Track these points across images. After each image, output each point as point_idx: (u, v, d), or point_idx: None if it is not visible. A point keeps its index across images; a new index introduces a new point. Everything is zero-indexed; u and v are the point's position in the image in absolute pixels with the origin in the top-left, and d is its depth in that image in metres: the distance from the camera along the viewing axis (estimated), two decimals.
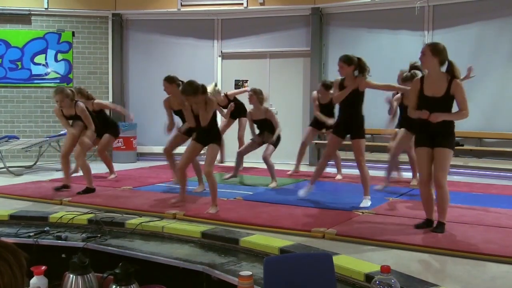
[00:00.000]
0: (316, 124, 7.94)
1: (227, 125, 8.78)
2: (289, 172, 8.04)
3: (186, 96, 5.51)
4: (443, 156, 4.47)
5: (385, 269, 2.34)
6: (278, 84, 10.39)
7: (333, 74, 9.66)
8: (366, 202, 5.66)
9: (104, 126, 7.37)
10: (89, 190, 6.38)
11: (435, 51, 4.46)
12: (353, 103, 5.70)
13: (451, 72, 4.47)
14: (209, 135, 5.58)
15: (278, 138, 7.31)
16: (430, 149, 4.56)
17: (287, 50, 10.37)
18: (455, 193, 6.58)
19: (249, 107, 7.66)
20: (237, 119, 8.80)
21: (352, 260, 3.72)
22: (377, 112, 8.06)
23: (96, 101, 7.53)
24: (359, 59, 5.67)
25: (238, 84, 10.45)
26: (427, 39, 9.20)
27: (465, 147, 8.77)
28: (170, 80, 6.54)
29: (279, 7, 10.18)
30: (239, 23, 10.57)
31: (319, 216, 5.14)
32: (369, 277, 3.32)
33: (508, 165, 8.40)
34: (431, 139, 4.53)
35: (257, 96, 7.27)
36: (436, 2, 9.18)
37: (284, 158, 9.74)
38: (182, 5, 10.58)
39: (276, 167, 7.74)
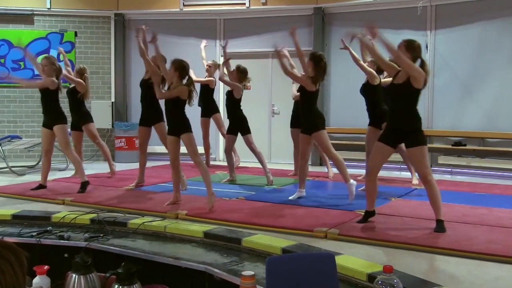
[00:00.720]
0: (297, 124, 7.82)
1: (205, 128, 8.67)
2: (290, 174, 8.02)
3: (171, 64, 5.67)
4: (419, 154, 4.58)
5: (388, 269, 2.34)
6: (281, 84, 10.37)
7: (336, 74, 9.70)
8: (351, 186, 5.76)
9: (80, 116, 7.45)
10: (84, 185, 6.41)
11: (409, 47, 4.65)
12: (303, 101, 5.95)
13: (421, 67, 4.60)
14: (177, 126, 5.60)
15: (242, 121, 7.31)
16: (391, 148, 4.72)
17: (289, 50, 10.33)
18: (458, 193, 6.59)
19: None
20: (211, 117, 8.62)
21: (355, 260, 3.72)
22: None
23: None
24: (321, 58, 5.87)
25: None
26: (429, 39, 9.19)
27: (468, 147, 8.76)
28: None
29: (281, 7, 10.17)
30: (241, 23, 10.56)
31: (322, 216, 5.13)
32: (371, 277, 3.32)
33: (511, 165, 8.38)
34: (397, 139, 4.73)
35: (239, 73, 7.41)
36: (439, 2, 9.16)
37: (287, 159, 9.74)
38: (184, 5, 10.59)
39: (279, 167, 7.74)
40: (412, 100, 4.59)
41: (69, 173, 8.05)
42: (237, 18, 10.58)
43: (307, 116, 5.93)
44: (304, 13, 10.13)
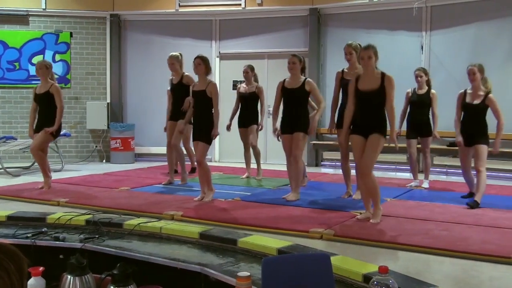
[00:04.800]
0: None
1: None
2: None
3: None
4: (481, 151, 5.85)
5: (383, 270, 2.34)
6: (276, 85, 10.37)
7: (331, 74, 9.70)
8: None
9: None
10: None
11: (482, 71, 6.31)
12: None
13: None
14: (300, 124, 6.19)
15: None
16: (470, 148, 5.95)
17: (285, 50, 10.35)
18: (453, 193, 6.62)
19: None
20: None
21: (350, 261, 3.72)
22: None
23: None
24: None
25: (236, 85, 10.44)
26: (425, 39, 9.23)
27: None
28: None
29: (277, 7, 10.19)
30: (237, 24, 10.57)
31: (317, 216, 5.14)
32: (367, 278, 3.32)
33: (507, 165, 8.41)
34: (470, 138, 5.90)
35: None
36: (434, 3, 9.19)
37: (283, 159, 9.72)
38: (180, 6, 10.58)
39: (274, 168, 7.74)
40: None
41: (65, 174, 8.02)
42: (232, 19, 10.58)
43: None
44: (299, 14, 10.15)
